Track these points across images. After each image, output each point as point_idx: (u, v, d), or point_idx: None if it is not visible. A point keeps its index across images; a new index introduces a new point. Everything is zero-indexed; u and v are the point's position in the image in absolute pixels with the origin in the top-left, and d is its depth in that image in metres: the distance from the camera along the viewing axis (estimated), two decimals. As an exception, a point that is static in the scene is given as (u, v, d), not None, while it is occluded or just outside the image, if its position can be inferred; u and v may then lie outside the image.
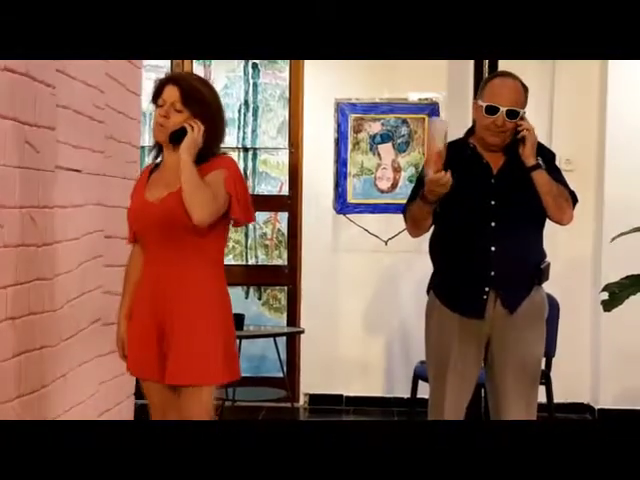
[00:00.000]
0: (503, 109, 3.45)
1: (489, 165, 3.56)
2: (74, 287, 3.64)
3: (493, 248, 3.49)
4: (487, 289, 3.50)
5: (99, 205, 3.93)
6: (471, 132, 3.66)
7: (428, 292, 3.72)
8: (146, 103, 6.01)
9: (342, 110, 6.24)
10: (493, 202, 3.52)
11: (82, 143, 3.68)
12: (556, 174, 3.57)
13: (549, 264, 3.65)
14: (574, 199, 3.60)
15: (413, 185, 3.80)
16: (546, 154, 3.59)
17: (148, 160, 6.30)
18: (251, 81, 6.34)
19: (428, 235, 6.22)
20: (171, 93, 3.13)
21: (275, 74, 6.37)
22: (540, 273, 3.60)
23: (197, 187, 3.05)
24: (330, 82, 6.20)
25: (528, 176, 3.47)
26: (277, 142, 6.37)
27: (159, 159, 3.31)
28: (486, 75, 5.43)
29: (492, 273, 3.50)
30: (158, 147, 3.26)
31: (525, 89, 3.55)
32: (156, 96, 3.18)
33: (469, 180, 3.49)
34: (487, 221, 3.51)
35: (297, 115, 6.35)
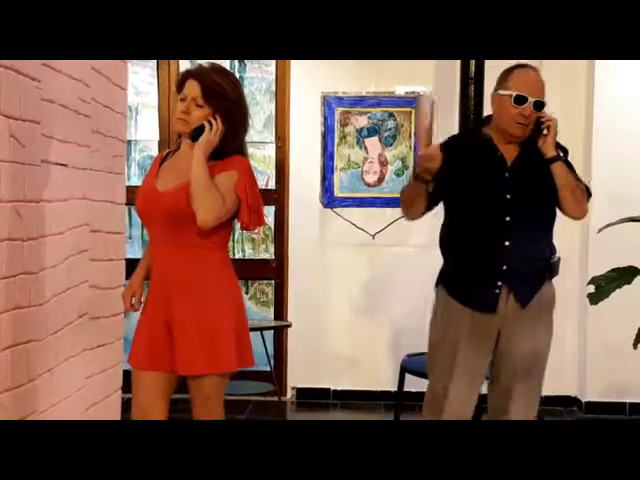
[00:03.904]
0: (532, 100, 3.42)
1: (503, 157, 3.52)
2: (60, 281, 3.62)
3: (507, 243, 3.46)
4: (500, 283, 3.48)
5: (85, 199, 3.91)
6: (485, 123, 3.62)
7: (437, 286, 3.69)
8: (132, 97, 6.03)
9: (329, 104, 6.24)
10: (508, 196, 3.48)
11: (68, 137, 3.67)
12: (571, 168, 3.55)
13: (559, 259, 3.62)
14: (588, 193, 3.57)
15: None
16: (561, 149, 3.56)
17: (135, 154, 6.35)
18: (237, 74, 6.33)
19: (417, 229, 6.24)
20: (192, 88, 3.17)
21: (261, 68, 6.36)
22: (551, 268, 3.58)
23: (206, 189, 3.08)
24: (317, 76, 6.19)
25: (544, 169, 3.44)
26: (264, 136, 6.36)
27: (168, 149, 3.42)
28: (472, 69, 5.43)
29: (504, 267, 3.47)
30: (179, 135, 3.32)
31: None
32: (179, 89, 3.23)
33: (483, 172, 3.46)
34: (501, 215, 3.48)
35: (283, 109, 6.34)
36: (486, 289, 3.49)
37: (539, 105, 3.44)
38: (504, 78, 3.53)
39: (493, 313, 3.48)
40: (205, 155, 3.11)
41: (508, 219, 3.47)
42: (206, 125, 3.14)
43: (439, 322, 3.62)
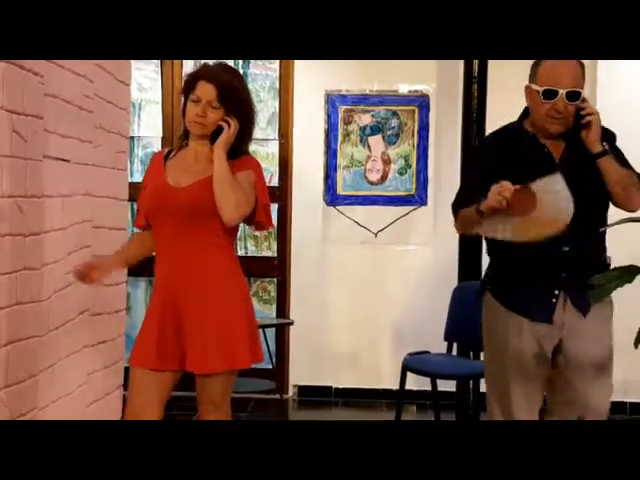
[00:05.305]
0: (562, 92, 3.14)
1: (551, 154, 3.26)
2: (62, 277, 3.62)
3: (566, 248, 3.20)
4: (557, 292, 3.24)
5: (87, 195, 3.91)
6: (524, 116, 3.34)
7: (483, 292, 3.42)
8: (135, 93, 6.03)
9: (332, 101, 6.24)
10: None
11: (70, 133, 3.67)
12: (619, 156, 3.28)
13: (609, 257, 3.36)
14: None
15: (462, 182, 3.49)
16: (607, 136, 3.29)
17: (137, 151, 6.34)
18: (241, 72, 6.32)
19: (419, 227, 6.24)
20: (207, 91, 3.18)
21: (265, 65, 6.36)
22: (608, 268, 3.29)
23: (232, 186, 3.11)
24: (320, 73, 6.18)
25: (592, 163, 3.17)
26: (267, 133, 6.36)
27: (170, 147, 3.44)
28: (476, 68, 5.44)
29: (563, 275, 3.23)
30: (185, 132, 3.31)
31: (582, 66, 3.22)
32: (188, 89, 3.21)
33: (531, 172, 3.16)
34: None
35: (287, 106, 6.33)
36: (543, 298, 3.25)
37: (573, 95, 3.15)
38: (534, 67, 3.23)
39: (550, 324, 3.25)
40: (225, 153, 3.16)
41: None
42: (224, 125, 3.17)
43: (497, 334, 3.35)
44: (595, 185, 3.20)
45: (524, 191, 3.08)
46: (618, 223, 3.03)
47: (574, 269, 3.22)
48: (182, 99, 3.27)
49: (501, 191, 3.05)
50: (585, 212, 3.18)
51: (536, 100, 3.20)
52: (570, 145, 3.25)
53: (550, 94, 3.15)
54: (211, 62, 3.29)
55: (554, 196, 3.13)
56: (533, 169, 3.20)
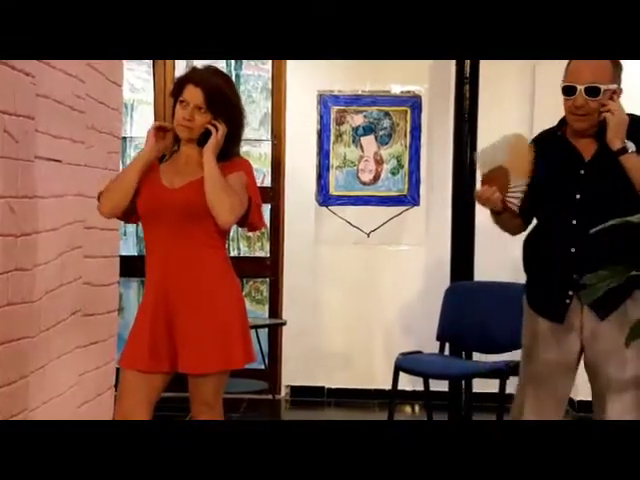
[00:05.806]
0: (581, 87, 3.11)
1: (580, 155, 3.21)
2: (53, 278, 3.61)
3: (573, 249, 3.17)
4: (571, 293, 3.19)
5: (79, 196, 3.90)
6: (564, 121, 3.29)
7: (523, 296, 3.42)
8: (128, 94, 6.02)
9: (324, 102, 6.24)
10: (578, 196, 3.18)
11: (62, 133, 3.66)
12: None
13: None
14: None
15: None
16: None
17: (130, 151, 6.34)
18: (233, 72, 6.33)
19: (411, 228, 6.24)
20: (194, 95, 3.18)
21: (257, 65, 6.36)
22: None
23: (225, 189, 3.12)
24: (313, 74, 6.18)
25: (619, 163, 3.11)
26: (259, 134, 6.36)
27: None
28: (467, 69, 5.45)
29: (574, 276, 3.14)
30: (176, 136, 3.30)
31: (614, 64, 3.15)
32: (177, 92, 3.22)
33: (557, 172, 3.20)
34: (568, 218, 3.18)
35: (280, 107, 6.33)
36: (556, 299, 3.22)
37: (591, 91, 3.11)
38: (565, 68, 3.22)
39: (561, 324, 3.21)
40: (215, 156, 3.16)
41: (575, 222, 3.17)
42: (212, 129, 3.18)
43: (524, 333, 3.38)
44: (621, 187, 3.12)
45: (495, 172, 3.19)
46: (613, 225, 3.00)
47: (586, 271, 3.02)
48: (172, 101, 3.27)
49: (483, 200, 3.18)
50: (600, 213, 3.02)
51: (563, 97, 3.20)
52: (603, 146, 3.18)
53: (569, 90, 3.15)
54: (200, 65, 3.28)
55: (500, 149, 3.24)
56: (563, 170, 3.22)
